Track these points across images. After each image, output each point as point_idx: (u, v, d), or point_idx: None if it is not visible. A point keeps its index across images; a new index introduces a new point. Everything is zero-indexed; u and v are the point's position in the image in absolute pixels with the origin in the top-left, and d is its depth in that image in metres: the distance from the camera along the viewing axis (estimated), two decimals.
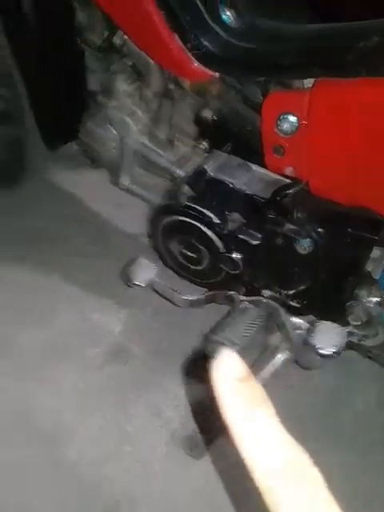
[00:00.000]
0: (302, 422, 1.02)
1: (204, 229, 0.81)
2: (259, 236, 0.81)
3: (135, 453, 0.93)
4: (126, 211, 1.31)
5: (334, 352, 0.73)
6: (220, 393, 0.20)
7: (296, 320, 0.90)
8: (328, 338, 0.74)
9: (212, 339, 0.75)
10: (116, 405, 0.99)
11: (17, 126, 1.05)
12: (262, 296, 0.91)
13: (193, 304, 0.91)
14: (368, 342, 0.85)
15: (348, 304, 0.81)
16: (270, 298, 0.91)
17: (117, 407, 0.99)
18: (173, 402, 1.02)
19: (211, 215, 0.80)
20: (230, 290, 0.90)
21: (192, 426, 0.98)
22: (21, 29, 0.92)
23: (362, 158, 0.67)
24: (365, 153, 0.66)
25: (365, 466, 0.97)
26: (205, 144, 0.86)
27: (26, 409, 0.97)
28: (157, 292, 0.92)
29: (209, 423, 0.96)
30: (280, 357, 0.96)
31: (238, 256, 0.83)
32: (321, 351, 0.74)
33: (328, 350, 0.73)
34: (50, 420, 0.96)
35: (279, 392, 1.04)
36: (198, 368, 1.07)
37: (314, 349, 0.74)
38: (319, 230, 0.78)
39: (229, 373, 0.20)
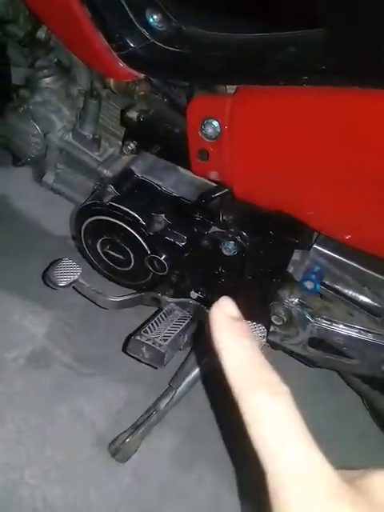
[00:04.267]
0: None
1: (129, 229, 0.81)
2: (185, 238, 0.82)
3: (56, 456, 0.91)
4: (56, 210, 1.28)
5: None
6: (215, 324, 0.24)
7: None
8: None
9: (135, 340, 0.75)
10: (37, 408, 0.96)
11: None
12: (190, 297, 0.92)
13: (118, 306, 0.90)
14: (289, 342, 0.88)
15: (270, 304, 0.84)
16: (197, 299, 0.92)
17: (38, 411, 0.96)
18: (98, 404, 1.01)
19: (136, 216, 0.80)
20: (157, 291, 0.90)
21: (118, 428, 0.97)
22: None
23: (280, 164, 0.70)
24: (283, 159, 0.69)
25: None
26: (132, 145, 0.85)
27: None
28: (81, 294, 0.90)
29: (137, 424, 0.96)
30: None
31: (164, 257, 0.84)
32: None
33: None
34: None
35: (210, 391, 1.06)
36: (125, 369, 1.07)
37: None
38: (243, 233, 0.81)
39: (225, 311, 0.24)
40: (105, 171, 0.88)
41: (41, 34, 0.84)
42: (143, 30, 0.75)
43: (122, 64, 0.75)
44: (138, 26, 0.75)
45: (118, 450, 0.93)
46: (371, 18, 0.56)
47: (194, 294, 0.91)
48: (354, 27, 0.58)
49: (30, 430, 0.94)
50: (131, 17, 0.74)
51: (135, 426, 0.95)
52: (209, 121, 0.71)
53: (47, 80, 0.90)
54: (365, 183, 0.67)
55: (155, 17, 0.77)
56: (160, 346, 0.74)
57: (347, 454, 1.03)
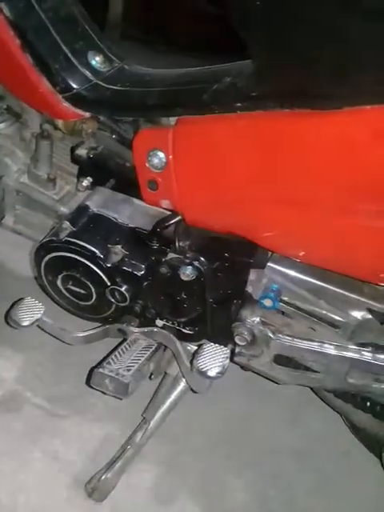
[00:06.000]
0: (210, 446, 1.04)
1: (87, 263, 0.82)
2: (143, 267, 0.83)
3: (31, 502, 0.89)
4: (22, 252, 1.28)
5: (217, 372, 0.76)
6: None
7: (189, 346, 0.93)
8: (212, 359, 0.77)
9: (98, 373, 0.75)
10: (10, 453, 0.94)
11: None
12: (156, 326, 0.92)
13: (85, 341, 0.90)
14: (256, 361, 0.89)
15: (233, 325, 0.85)
16: (163, 327, 0.93)
17: (10, 456, 0.94)
18: (73, 445, 0.99)
19: (93, 249, 0.81)
20: (122, 322, 0.91)
21: (95, 467, 0.96)
22: None
23: (225, 189, 0.72)
24: (226, 184, 0.72)
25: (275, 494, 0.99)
26: (86, 182, 0.87)
27: None
28: (46, 332, 0.90)
29: (112, 461, 0.94)
30: (180, 386, 0.98)
31: (125, 288, 0.84)
32: (207, 373, 0.77)
33: (212, 371, 0.76)
34: None
35: (186, 418, 1.05)
36: (100, 407, 1.06)
37: (200, 372, 0.76)
38: (200, 257, 0.82)
39: None
40: (62, 209, 0.90)
41: None
42: (86, 72, 0.78)
43: (66, 105, 0.78)
44: (80, 68, 0.78)
45: (95, 489, 0.91)
46: (293, 50, 0.60)
47: (159, 322, 0.92)
48: (279, 57, 0.62)
49: (2, 475, 0.91)
50: (73, 60, 0.78)
51: (110, 463, 0.93)
52: (154, 152, 0.74)
53: (0, 126, 0.92)
54: (308, 201, 0.70)
55: (97, 59, 0.80)
56: (123, 376, 0.74)
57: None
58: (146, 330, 0.90)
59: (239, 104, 0.66)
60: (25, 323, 0.85)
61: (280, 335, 0.82)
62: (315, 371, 0.83)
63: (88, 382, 0.82)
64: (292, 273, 0.81)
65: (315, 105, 0.60)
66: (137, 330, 0.90)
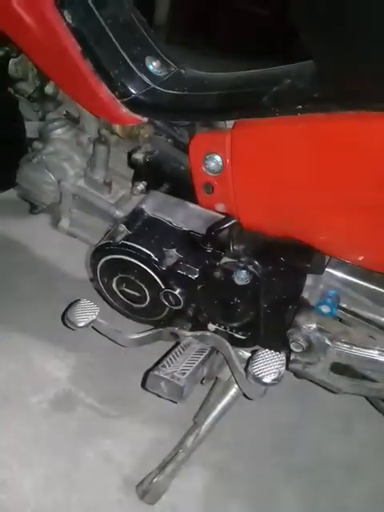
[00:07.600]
0: (257, 454, 1.02)
1: (142, 266, 0.82)
2: (197, 270, 0.83)
3: (84, 501, 0.90)
4: (77, 255, 1.32)
5: (273, 379, 0.74)
6: None
7: (242, 352, 0.92)
8: (267, 365, 0.76)
9: (153, 375, 0.75)
10: (63, 453, 0.96)
11: None
12: (208, 330, 0.92)
13: (138, 343, 0.91)
14: (311, 369, 0.86)
15: (289, 331, 0.83)
16: (216, 331, 0.92)
17: (64, 455, 0.96)
18: (124, 446, 1.00)
19: (148, 252, 0.82)
20: (175, 326, 0.91)
21: (145, 469, 0.96)
22: None
23: (284, 193, 0.71)
24: (285, 188, 0.70)
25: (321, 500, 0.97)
26: (141, 185, 0.88)
27: None
28: (101, 333, 0.91)
29: (164, 464, 0.95)
30: (232, 391, 0.97)
31: (179, 291, 0.85)
32: (263, 379, 0.76)
33: (268, 378, 0.75)
34: None
35: (237, 424, 1.04)
36: (151, 409, 1.06)
37: (255, 378, 0.75)
38: (255, 261, 0.81)
39: None
40: (117, 212, 0.92)
41: (49, 89, 0.90)
42: (144, 77, 0.79)
43: (125, 110, 0.79)
44: (138, 73, 0.79)
45: (146, 492, 0.91)
46: (359, 48, 0.58)
47: (211, 327, 0.91)
48: (343, 57, 0.60)
49: (57, 474, 0.93)
50: (132, 66, 0.79)
51: (162, 466, 0.93)
52: (211, 156, 0.74)
53: (58, 131, 0.95)
54: (370, 204, 0.67)
55: (154, 64, 0.81)
56: (178, 379, 0.74)
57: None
58: (198, 333, 0.90)
59: (300, 106, 0.65)
60: (81, 324, 0.87)
61: (337, 343, 0.79)
62: (374, 380, 0.80)
63: (143, 384, 0.82)
64: (351, 278, 0.79)
65: (380, 106, 0.58)
66: (189, 333, 0.90)
